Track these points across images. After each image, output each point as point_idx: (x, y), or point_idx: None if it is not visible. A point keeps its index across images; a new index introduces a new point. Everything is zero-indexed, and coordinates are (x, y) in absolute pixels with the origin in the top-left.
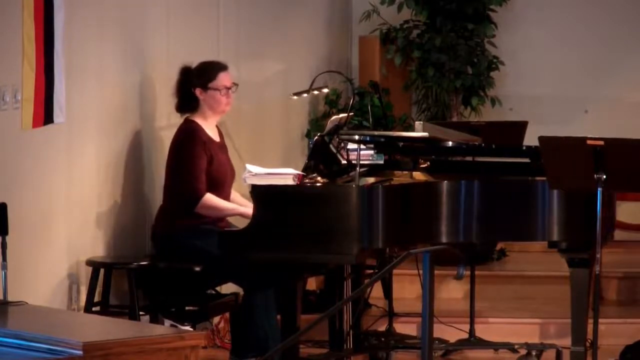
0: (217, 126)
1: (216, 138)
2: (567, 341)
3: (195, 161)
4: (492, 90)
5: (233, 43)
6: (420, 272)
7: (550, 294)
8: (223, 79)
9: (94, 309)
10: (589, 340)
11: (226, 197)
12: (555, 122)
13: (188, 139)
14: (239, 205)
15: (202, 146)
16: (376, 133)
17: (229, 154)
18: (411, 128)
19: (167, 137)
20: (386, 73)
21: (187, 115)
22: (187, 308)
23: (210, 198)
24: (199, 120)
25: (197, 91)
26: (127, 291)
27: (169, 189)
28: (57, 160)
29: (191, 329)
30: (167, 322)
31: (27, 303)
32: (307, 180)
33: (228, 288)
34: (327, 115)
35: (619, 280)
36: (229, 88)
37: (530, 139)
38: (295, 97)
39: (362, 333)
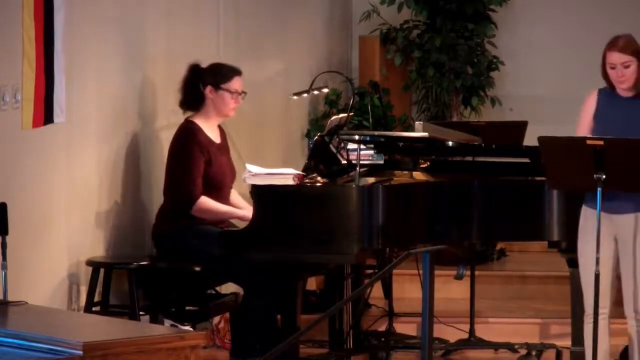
0: (219, 126)
1: (216, 139)
2: (567, 341)
3: (191, 163)
4: (492, 90)
5: (233, 43)
6: (420, 272)
7: (550, 294)
8: (236, 82)
9: (94, 309)
10: None
11: (225, 198)
12: (555, 122)
13: (185, 140)
14: (235, 209)
15: (199, 148)
16: (376, 133)
17: (230, 154)
18: (411, 128)
19: (166, 137)
20: (386, 73)
21: (188, 114)
22: (187, 308)
23: (205, 201)
24: (199, 120)
25: (208, 89)
26: (127, 291)
27: (167, 189)
28: (57, 160)
29: (191, 329)
30: (167, 322)
31: (27, 303)
32: (307, 180)
33: (228, 288)
34: (327, 115)
35: (619, 280)
36: (239, 93)
37: (530, 139)
38: (295, 97)
39: (362, 333)
